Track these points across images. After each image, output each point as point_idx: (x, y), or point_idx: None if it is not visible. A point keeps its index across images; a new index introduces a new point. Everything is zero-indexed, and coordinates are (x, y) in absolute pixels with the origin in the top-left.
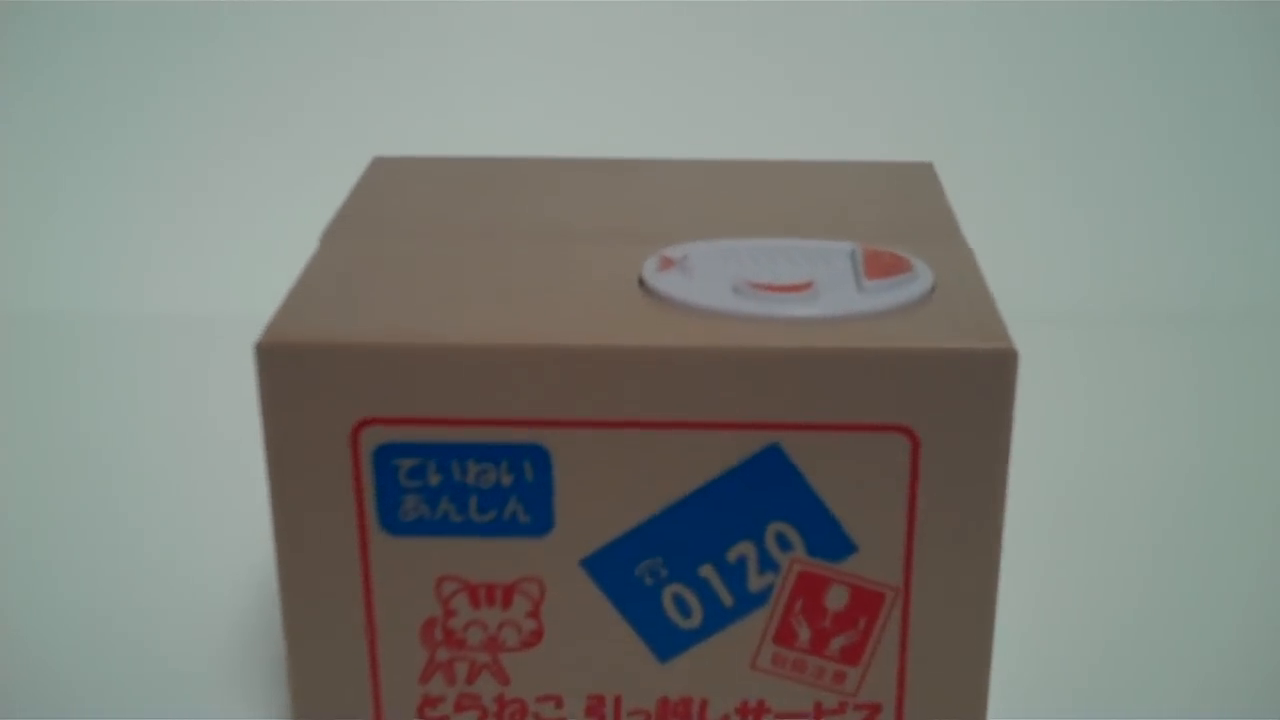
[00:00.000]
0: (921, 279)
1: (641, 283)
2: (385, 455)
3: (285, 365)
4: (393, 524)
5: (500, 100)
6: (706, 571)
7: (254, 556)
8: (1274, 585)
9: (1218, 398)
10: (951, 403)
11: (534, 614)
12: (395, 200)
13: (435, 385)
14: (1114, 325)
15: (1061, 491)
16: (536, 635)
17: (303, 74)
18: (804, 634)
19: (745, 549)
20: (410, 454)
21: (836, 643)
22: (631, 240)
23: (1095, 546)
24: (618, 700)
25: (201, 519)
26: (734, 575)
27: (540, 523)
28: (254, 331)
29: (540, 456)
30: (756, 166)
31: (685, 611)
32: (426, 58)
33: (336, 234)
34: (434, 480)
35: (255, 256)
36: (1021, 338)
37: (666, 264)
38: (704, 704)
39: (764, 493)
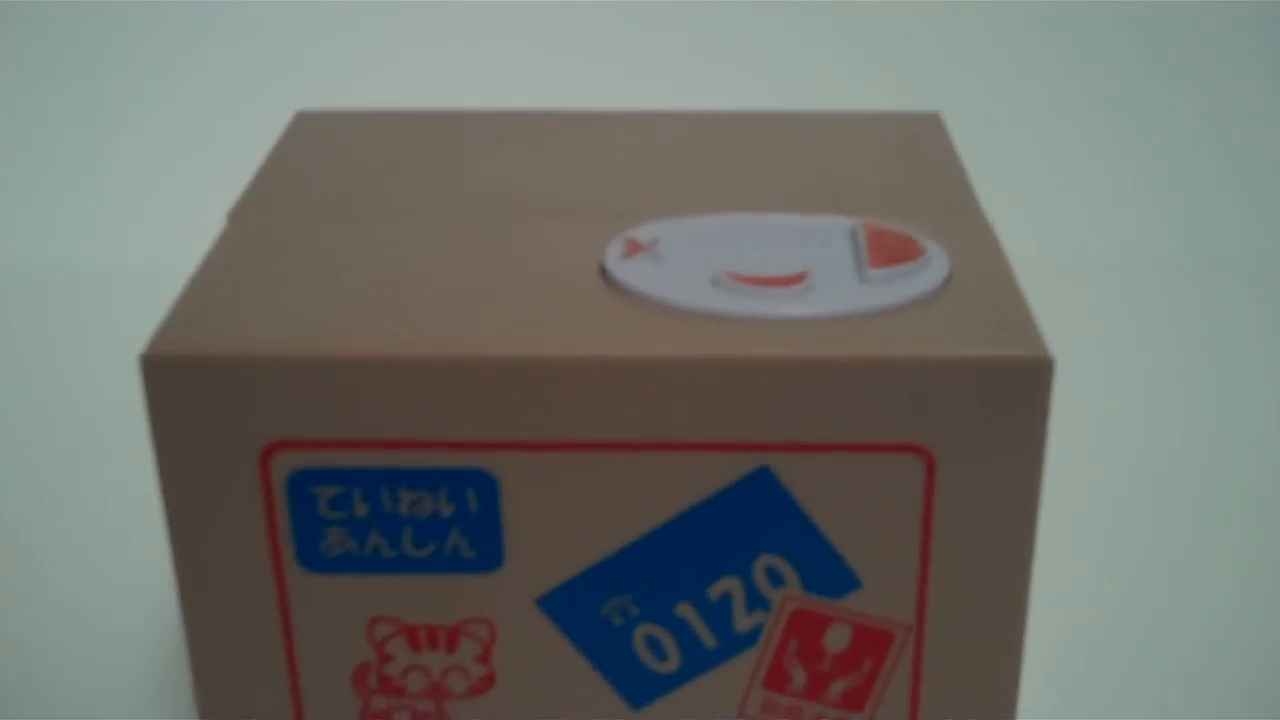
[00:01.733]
0: (935, 266)
1: (603, 272)
2: (301, 483)
3: (177, 380)
4: (313, 561)
5: (446, 39)
6: (684, 610)
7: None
8: None
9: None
10: (974, 419)
11: (484, 658)
12: (317, 167)
13: (358, 402)
14: (1132, 273)
15: (1088, 480)
16: (487, 681)
17: (237, 13)
18: (799, 678)
19: (730, 585)
20: (330, 481)
21: (837, 687)
22: (591, 216)
23: (1124, 548)
24: None
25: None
26: (717, 614)
27: (487, 558)
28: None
29: (485, 483)
30: (737, 120)
31: (660, 654)
32: None
33: (246, 212)
34: (361, 511)
35: (188, 206)
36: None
37: (633, 249)
38: None
39: (751, 522)
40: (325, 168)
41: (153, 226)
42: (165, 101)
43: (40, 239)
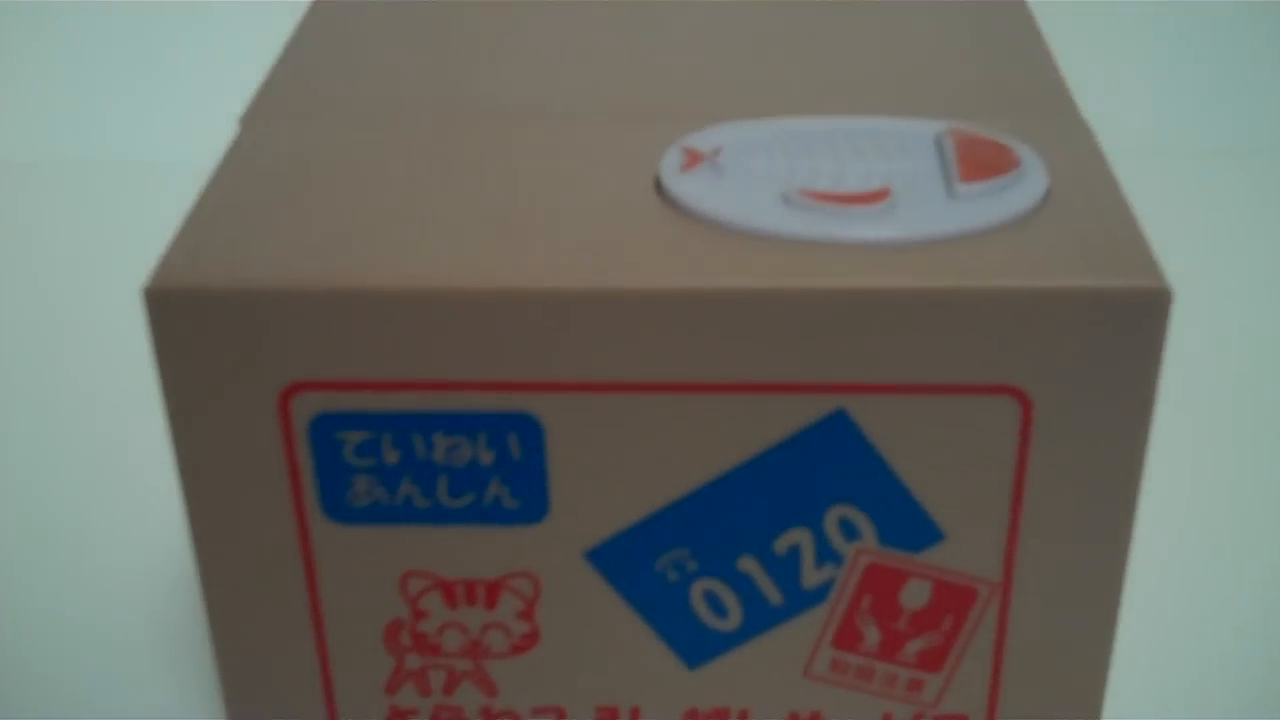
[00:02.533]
0: (1032, 179)
1: (659, 187)
2: (325, 427)
3: (185, 316)
4: (339, 510)
5: None
6: (747, 564)
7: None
8: None
9: None
10: (1078, 358)
11: (526, 615)
12: (337, 64)
13: (386, 339)
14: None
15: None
16: (530, 639)
17: None
18: (872, 636)
19: (798, 537)
20: (357, 425)
21: (913, 646)
22: (644, 120)
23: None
24: (634, 712)
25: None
26: (783, 568)
27: (531, 508)
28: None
29: (529, 428)
30: (802, 6)
31: (720, 611)
32: None
33: (258, 117)
34: (391, 458)
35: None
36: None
37: (692, 159)
38: (743, 716)
39: (824, 470)
40: (346, 64)
41: (172, 118)
42: None
43: (58, 132)
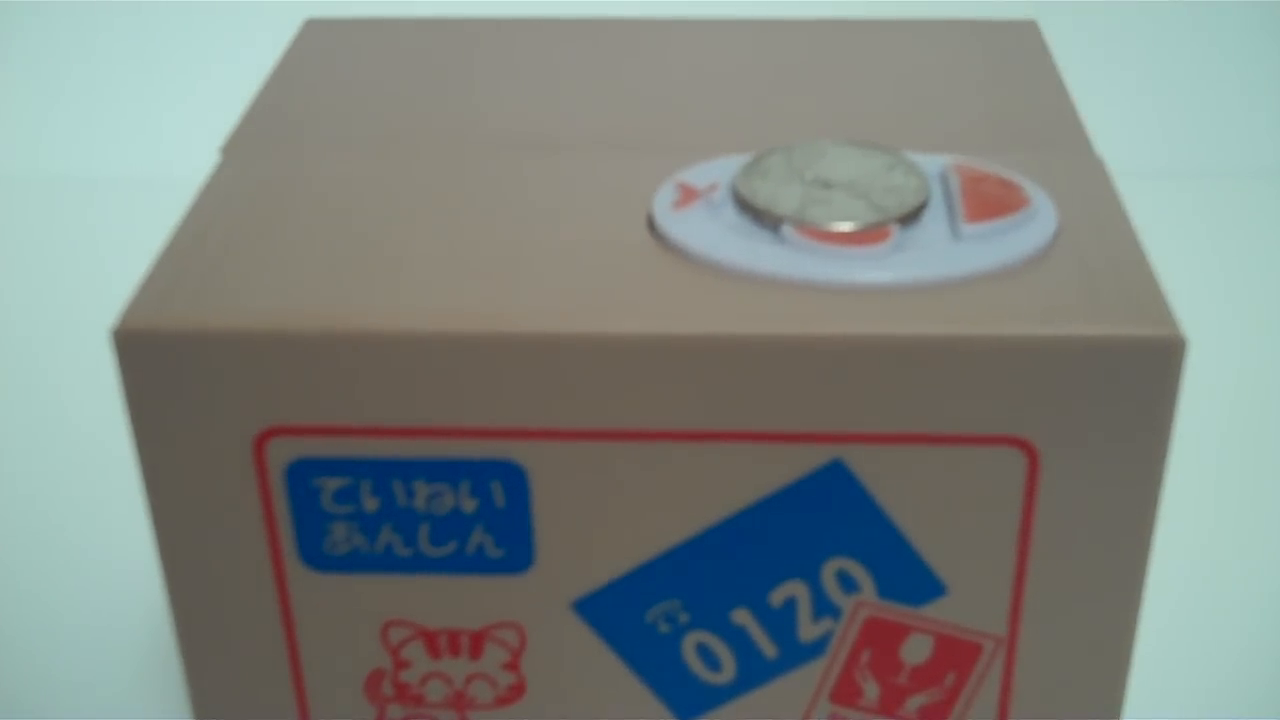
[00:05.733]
0: (1042, 219)
1: (651, 225)
2: (301, 473)
3: (155, 359)
4: (317, 558)
5: None
6: (741, 617)
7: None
8: None
9: None
10: (1087, 408)
11: (512, 666)
12: (323, 89)
13: (365, 383)
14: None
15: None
16: (516, 690)
17: None
18: (871, 691)
19: (794, 589)
20: (335, 471)
21: (914, 702)
22: (636, 151)
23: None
24: None
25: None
26: (779, 621)
27: (516, 558)
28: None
29: (513, 475)
30: (803, 29)
31: (713, 664)
32: None
33: (240, 146)
34: (370, 505)
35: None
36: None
37: (686, 195)
38: None
39: (821, 521)
40: (332, 90)
41: (161, 136)
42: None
43: (45, 148)
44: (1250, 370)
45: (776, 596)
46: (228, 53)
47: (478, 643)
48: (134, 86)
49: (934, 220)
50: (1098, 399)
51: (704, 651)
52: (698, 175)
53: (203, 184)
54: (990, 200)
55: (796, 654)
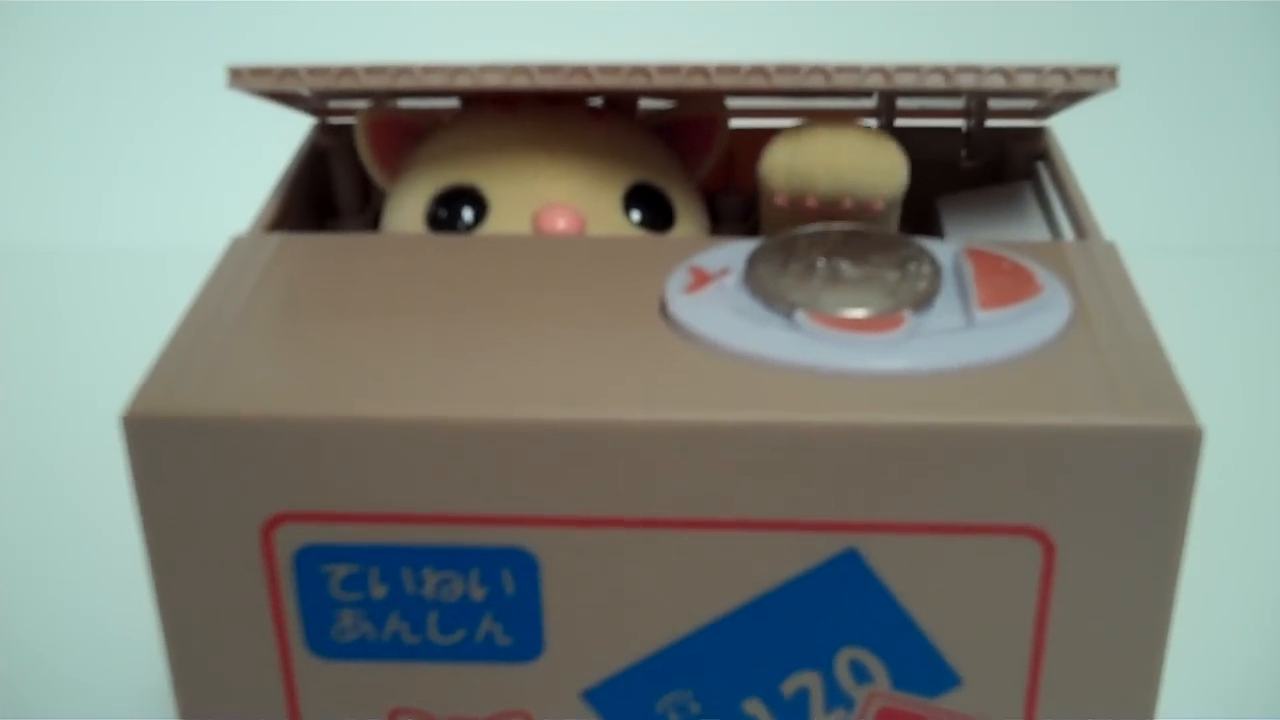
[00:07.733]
0: (1055, 305)
1: (664, 310)
2: (310, 560)
3: (164, 444)
4: (324, 646)
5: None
6: (753, 707)
7: None
8: None
9: None
10: (1104, 498)
11: None
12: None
13: (374, 470)
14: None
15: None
16: None
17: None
18: None
19: (807, 679)
20: (343, 558)
21: None
22: (650, 236)
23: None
24: None
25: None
26: (791, 712)
27: (526, 646)
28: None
29: (524, 563)
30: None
31: None
32: None
33: (250, 237)
34: (378, 592)
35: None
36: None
37: (699, 279)
38: None
39: (834, 611)
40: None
41: (174, 209)
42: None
43: (54, 220)
44: (1265, 451)
45: (789, 686)
46: (243, 130)
47: None
48: (148, 159)
49: (947, 307)
50: (1114, 488)
51: None
52: (710, 259)
53: (212, 269)
54: (1003, 287)
55: None
